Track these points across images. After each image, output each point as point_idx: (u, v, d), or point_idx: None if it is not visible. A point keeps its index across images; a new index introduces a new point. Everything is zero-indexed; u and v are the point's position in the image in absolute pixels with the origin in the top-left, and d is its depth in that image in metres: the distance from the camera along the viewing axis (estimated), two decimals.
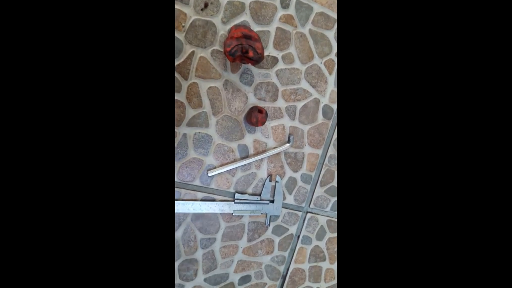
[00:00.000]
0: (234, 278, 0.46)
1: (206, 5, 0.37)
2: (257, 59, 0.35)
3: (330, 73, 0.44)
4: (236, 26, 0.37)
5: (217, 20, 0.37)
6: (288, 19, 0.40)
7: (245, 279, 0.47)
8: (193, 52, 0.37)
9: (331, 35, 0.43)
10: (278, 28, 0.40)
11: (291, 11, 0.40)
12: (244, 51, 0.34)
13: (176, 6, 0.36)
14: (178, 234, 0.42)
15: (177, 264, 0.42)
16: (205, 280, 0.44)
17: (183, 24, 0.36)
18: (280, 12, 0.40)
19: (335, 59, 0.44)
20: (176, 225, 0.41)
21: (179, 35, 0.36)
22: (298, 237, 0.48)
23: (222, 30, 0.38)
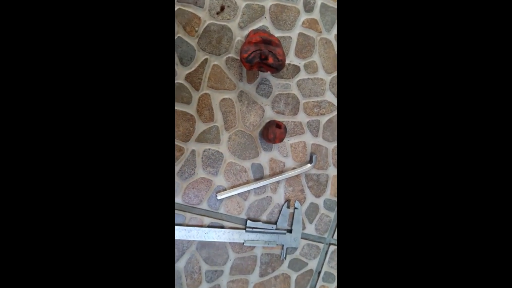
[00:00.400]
0: None
1: (222, 9, 0.33)
2: (278, 67, 0.30)
3: None
4: (255, 31, 0.33)
5: (233, 25, 0.34)
6: (312, 24, 0.36)
7: None
8: (206, 60, 0.34)
9: None
10: (300, 34, 0.36)
11: (315, 15, 0.36)
12: (263, 57, 0.29)
13: (190, 10, 0.32)
14: (181, 264, 0.36)
15: None
16: None
17: (196, 29, 0.33)
18: (303, 16, 0.35)
19: None
20: (179, 253, 0.36)
21: (191, 41, 0.33)
22: (319, 273, 0.41)
23: (239, 35, 0.34)
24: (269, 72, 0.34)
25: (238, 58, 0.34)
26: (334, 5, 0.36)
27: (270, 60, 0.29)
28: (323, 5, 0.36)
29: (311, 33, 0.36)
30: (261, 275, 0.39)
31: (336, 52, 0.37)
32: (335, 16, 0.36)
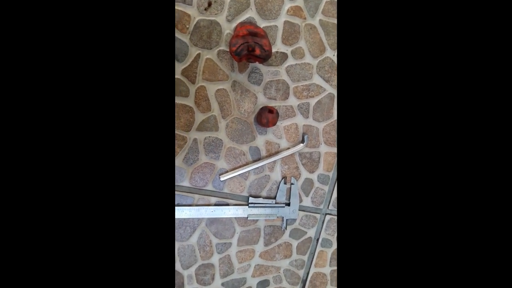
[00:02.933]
0: (252, 282, 0.45)
1: (209, 4, 0.35)
2: (265, 57, 0.33)
3: None
4: (242, 24, 0.35)
5: (221, 19, 0.36)
6: (296, 11, 0.38)
7: (263, 284, 0.45)
8: (199, 55, 0.36)
9: None
10: (286, 22, 0.38)
11: (299, 2, 0.37)
12: (250, 49, 0.32)
13: (179, 8, 0.35)
14: (193, 239, 0.41)
15: (194, 268, 0.42)
16: (222, 284, 0.44)
17: (187, 26, 0.35)
18: (288, 5, 0.37)
19: None
20: (191, 230, 0.41)
21: (184, 38, 0.36)
22: (318, 240, 0.46)
23: (228, 29, 0.36)
24: (257, 62, 0.36)
25: (228, 50, 0.37)
26: None
27: (257, 51, 0.32)
28: None
29: (296, 20, 0.38)
30: (266, 245, 0.44)
31: (336, 37, 0.39)
32: (318, 2, 0.38)
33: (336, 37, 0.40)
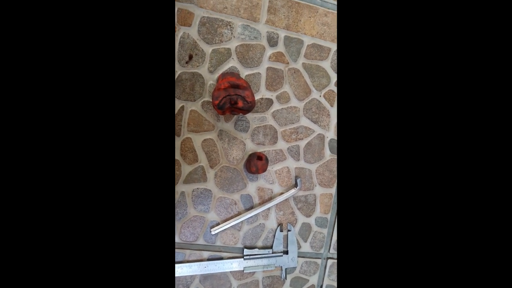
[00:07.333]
0: None
1: (190, 57, 0.35)
2: (248, 108, 0.32)
3: (331, 105, 0.40)
4: (223, 75, 0.35)
5: (203, 71, 0.36)
6: (278, 57, 0.38)
7: None
8: (182, 107, 0.36)
9: (327, 65, 0.39)
10: (269, 68, 0.37)
11: (280, 48, 0.38)
12: (232, 102, 0.31)
13: None
14: None
15: None
16: None
17: None
18: (269, 51, 0.37)
19: (336, 89, 0.40)
20: None
21: None
22: (321, 287, 0.43)
23: (211, 79, 0.36)
24: (241, 114, 0.36)
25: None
26: (298, 35, 0.38)
27: (240, 104, 0.31)
28: (287, 38, 0.38)
29: (279, 66, 0.38)
30: None
31: (336, 80, 0.39)
32: (300, 46, 0.38)
33: (320, 79, 0.39)
